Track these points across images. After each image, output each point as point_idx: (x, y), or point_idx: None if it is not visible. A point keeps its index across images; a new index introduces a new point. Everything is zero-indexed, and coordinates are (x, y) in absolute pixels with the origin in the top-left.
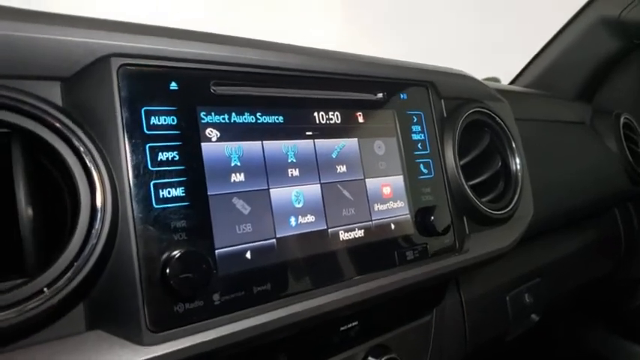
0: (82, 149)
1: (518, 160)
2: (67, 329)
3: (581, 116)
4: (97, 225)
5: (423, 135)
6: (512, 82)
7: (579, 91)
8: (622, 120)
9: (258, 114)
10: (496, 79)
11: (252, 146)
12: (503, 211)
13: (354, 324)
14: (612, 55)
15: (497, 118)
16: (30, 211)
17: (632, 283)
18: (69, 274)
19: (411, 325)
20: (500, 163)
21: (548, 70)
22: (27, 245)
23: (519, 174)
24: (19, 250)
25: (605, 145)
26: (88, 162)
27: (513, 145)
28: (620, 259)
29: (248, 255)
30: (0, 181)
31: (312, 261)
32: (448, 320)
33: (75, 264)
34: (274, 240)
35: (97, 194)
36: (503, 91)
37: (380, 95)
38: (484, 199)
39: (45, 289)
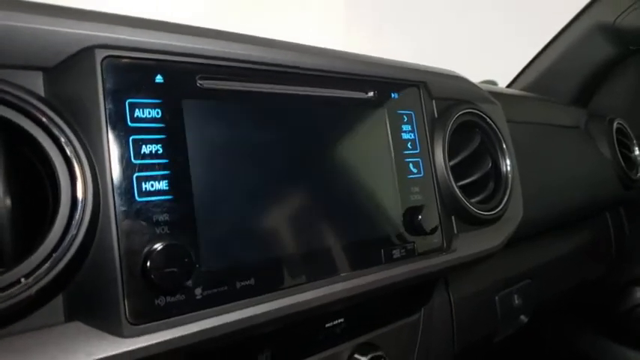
0: (62, 140)
1: (508, 162)
2: (45, 320)
3: (575, 120)
4: (77, 216)
5: (413, 134)
6: (508, 86)
7: (575, 95)
8: (615, 125)
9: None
10: (493, 82)
11: None
12: (492, 212)
13: (340, 321)
14: (607, 60)
15: (488, 120)
16: (8, 201)
17: (622, 287)
18: (47, 264)
19: (399, 324)
20: (490, 164)
21: (544, 75)
22: (4, 235)
23: (509, 175)
24: None
25: (599, 150)
26: (69, 152)
27: (504, 147)
28: (611, 263)
29: (232, 249)
30: None
31: (298, 257)
32: (436, 319)
33: (54, 255)
34: (259, 235)
35: (77, 185)
36: (497, 94)
37: (371, 94)
38: (473, 200)
39: (22, 280)
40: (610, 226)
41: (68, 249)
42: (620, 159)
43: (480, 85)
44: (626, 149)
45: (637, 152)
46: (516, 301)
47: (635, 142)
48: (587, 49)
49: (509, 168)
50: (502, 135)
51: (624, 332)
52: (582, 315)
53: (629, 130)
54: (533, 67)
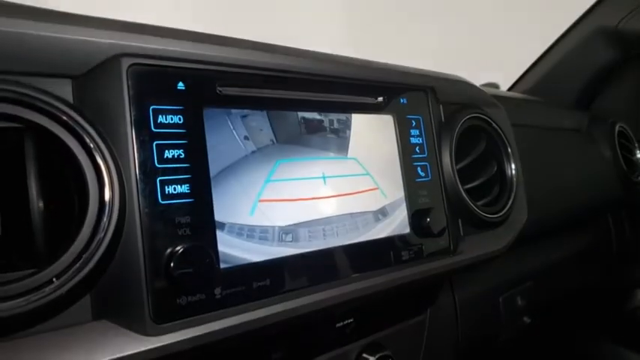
0: (92, 146)
1: (513, 166)
2: (74, 318)
3: (577, 124)
4: (105, 219)
5: (421, 139)
6: (510, 89)
7: (576, 98)
8: (617, 128)
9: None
10: (495, 85)
11: None
12: (497, 215)
13: (349, 321)
14: (609, 64)
15: (494, 124)
16: (41, 204)
17: (624, 289)
18: (77, 265)
19: (405, 324)
20: (495, 168)
21: (546, 78)
22: (38, 237)
23: (514, 179)
24: (30, 241)
25: (600, 153)
26: (97, 158)
27: (509, 151)
28: (612, 265)
29: (249, 251)
30: (13, 174)
31: (311, 258)
32: (441, 320)
33: (83, 256)
34: (275, 237)
35: (105, 189)
36: (500, 97)
37: (380, 99)
38: (479, 203)
39: (54, 280)
40: (612, 229)
41: (97, 250)
42: (622, 162)
43: (483, 89)
44: (628, 152)
45: (638, 155)
46: (519, 303)
47: (636, 145)
48: (590, 53)
49: (514, 172)
50: (507, 139)
51: (626, 334)
52: (584, 317)
53: (630, 133)
54: (535, 70)
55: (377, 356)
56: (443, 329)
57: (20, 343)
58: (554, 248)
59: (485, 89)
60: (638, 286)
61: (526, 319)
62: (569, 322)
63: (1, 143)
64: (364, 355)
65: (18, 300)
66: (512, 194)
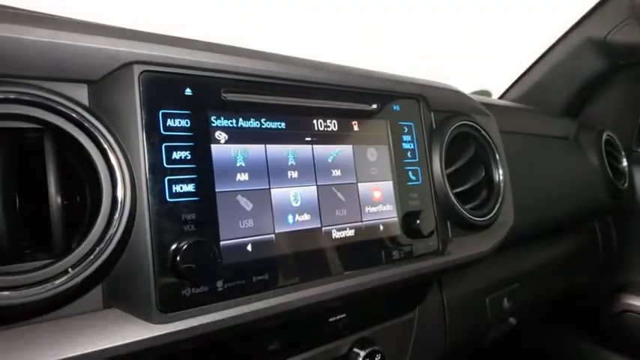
0: (105, 146)
1: (501, 171)
2: (86, 307)
3: (565, 131)
4: (117, 215)
5: (412, 144)
6: (501, 97)
7: (565, 107)
8: (604, 137)
9: (262, 120)
10: (487, 92)
11: (256, 149)
12: (484, 218)
13: (342, 316)
14: (598, 74)
15: (483, 131)
16: (59, 200)
17: (610, 293)
18: (91, 257)
19: (395, 321)
20: (484, 173)
21: (535, 87)
22: (55, 230)
23: (501, 184)
24: (47, 234)
25: (588, 160)
26: (111, 158)
27: (497, 157)
28: (598, 269)
29: (249, 247)
30: (34, 172)
31: (307, 256)
32: (430, 318)
33: (97, 249)
34: (273, 235)
35: (118, 187)
36: (491, 105)
37: (374, 106)
38: (467, 206)
39: (69, 270)
40: (598, 234)
41: (109, 244)
42: (608, 169)
43: (473, 97)
44: (615, 160)
45: (624, 163)
46: (506, 304)
47: (623, 153)
48: (579, 63)
49: (501, 177)
50: (495, 146)
51: (611, 337)
52: (570, 320)
53: (617, 141)
54: (526, 79)
55: (367, 351)
56: (431, 327)
57: (36, 329)
58: (541, 252)
59: (477, 97)
60: (623, 290)
61: (512, 320)
62: (555, 325)
63: (24, 143)
64: (354, 349)
65: (36, 288)
66: (500, 198)
